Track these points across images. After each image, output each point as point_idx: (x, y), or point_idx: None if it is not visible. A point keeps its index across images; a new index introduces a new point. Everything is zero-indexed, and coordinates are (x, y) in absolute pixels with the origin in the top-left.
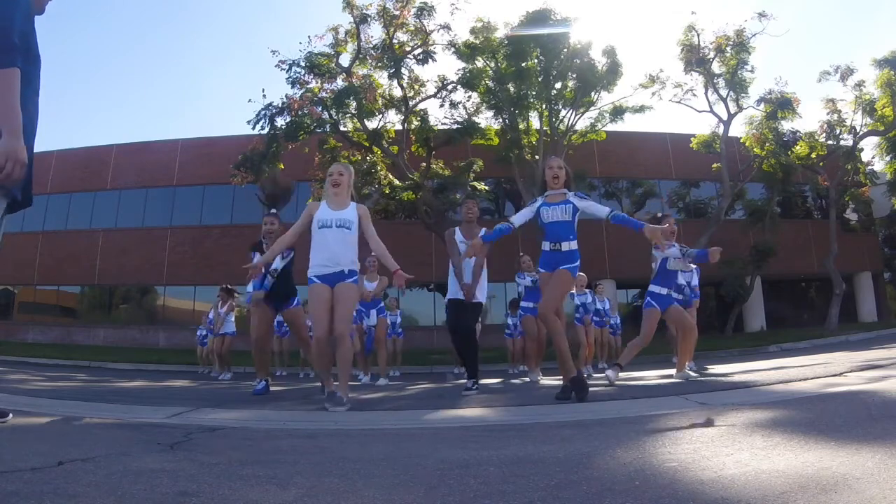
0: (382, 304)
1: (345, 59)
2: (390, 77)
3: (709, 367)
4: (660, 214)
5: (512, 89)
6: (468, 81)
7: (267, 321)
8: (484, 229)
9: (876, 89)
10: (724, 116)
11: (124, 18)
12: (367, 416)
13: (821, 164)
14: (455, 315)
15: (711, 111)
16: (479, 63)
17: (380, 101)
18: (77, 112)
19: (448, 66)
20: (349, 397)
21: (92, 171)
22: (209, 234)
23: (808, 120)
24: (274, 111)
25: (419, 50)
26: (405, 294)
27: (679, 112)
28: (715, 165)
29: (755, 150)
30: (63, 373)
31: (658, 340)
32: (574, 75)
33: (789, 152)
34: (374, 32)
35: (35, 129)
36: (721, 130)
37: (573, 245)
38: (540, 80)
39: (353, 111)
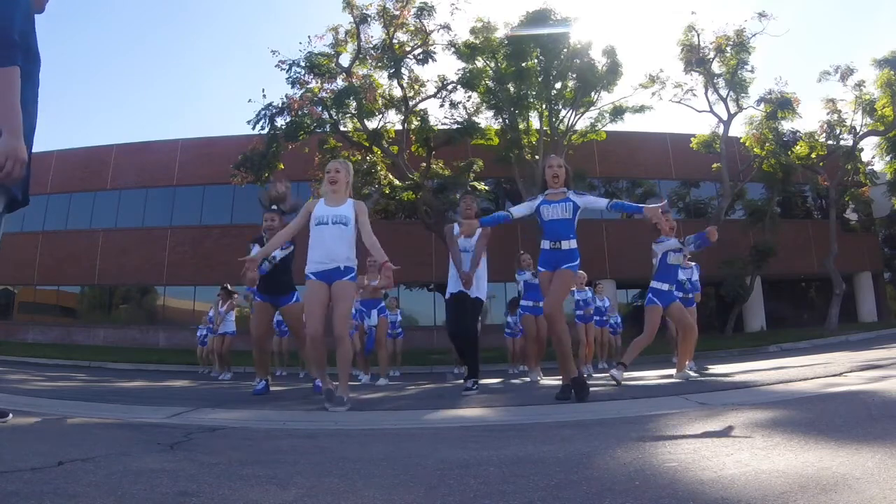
0: (383, 304)
1: (345, 59)
2: (390, 77)
3: (709, 367)
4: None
5: (512, 89)
6: (468, 81)
7: (267, 320)
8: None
9: (876, 89)
10: (724, 116)
11: (124, 18)
12: (367, 416)
13: (821, 164)
14: (455, 313)
15: (711, 111)
16: (479, 63)
17: (380, 101)
18: (77, 112)
19: (448, 66)
20: (349, 397)
21: (92, 171)
22: (209, 234)
23: (808, 120)
24: (274, 111)
25: (419, 50)
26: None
27: (679, 112)
28: (715, 165)
29: (755, 150)
30: (63, 373)
31: (658, 340)
32: (574, 75)
33: (789, 152)
34: (374, 32)
35: (34, 129)
36: (721, 130)
37: (573, 244)
38: (540, 80)
39: (353, 111)
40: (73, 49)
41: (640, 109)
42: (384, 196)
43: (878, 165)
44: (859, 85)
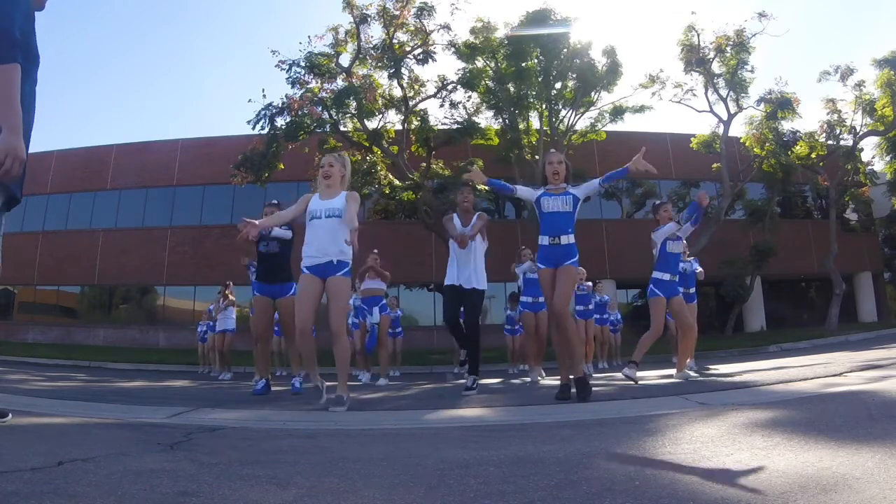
0: (385, 302)
1: (345, 59)
2: (390, 77)
3: (709, 367)
4: (657, 202)
5: (512, 89)
6: (468, 81)
7: (268, 317)
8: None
9: (876, 89)
10: (724, 116)
11: (124, 18)
12: (367, 416)
13: (821, 164)
14: (453, 303)
15: (711, 111)
16: (479, 63)
17: (380, 101)
18: (77, 112)
19: (448, 66)
20: (349, 396)
21: (92, 171)
22: (209, 234)
23: (808, 120)
24: (274, 111)
25: (419, 50)
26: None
27: (679, 112)
28: (715, 165)
29: (755, 150)
30: (63, 373)
31: (658, 340)
32: (574, 75)
33: (789, 152)
34: (374, 32)
35: (31, 127)
36: (721, 130)
37: (572, 239)
38: (540, 80)
39: (353, 111)
40: (72, 49)
41: (640, 109)
42: (384, 196)
43: (878, 165)
44: (859, 85)
